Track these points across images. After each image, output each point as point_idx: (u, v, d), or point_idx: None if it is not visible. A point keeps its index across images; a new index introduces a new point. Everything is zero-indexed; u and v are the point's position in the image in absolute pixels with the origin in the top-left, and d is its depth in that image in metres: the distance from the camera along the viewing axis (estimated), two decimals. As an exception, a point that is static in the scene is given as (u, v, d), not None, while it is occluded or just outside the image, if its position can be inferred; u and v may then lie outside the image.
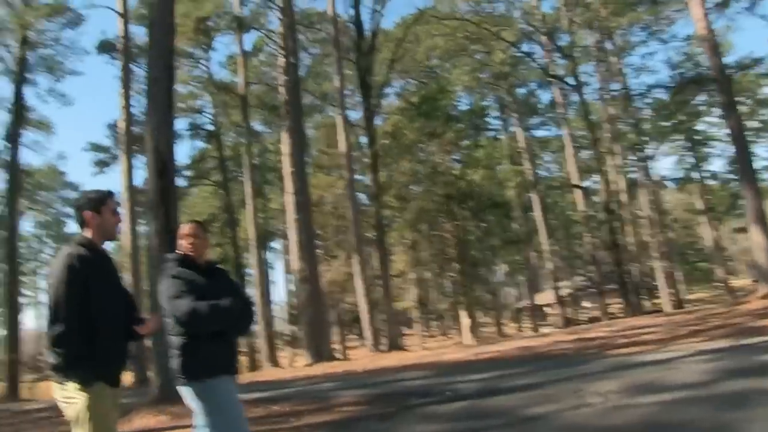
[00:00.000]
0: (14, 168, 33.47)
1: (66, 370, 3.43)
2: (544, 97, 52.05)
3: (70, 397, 3.43)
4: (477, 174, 36.52)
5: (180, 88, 42.48)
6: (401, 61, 39.45)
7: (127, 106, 27.57)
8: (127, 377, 23.99)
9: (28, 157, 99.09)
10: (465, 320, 37.10)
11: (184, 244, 4.30)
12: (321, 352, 25.98)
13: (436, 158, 39.07)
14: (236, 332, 4.30)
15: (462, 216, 37.12)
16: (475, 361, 15.25)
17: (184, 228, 4.39)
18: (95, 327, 3.47)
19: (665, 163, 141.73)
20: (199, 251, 4.30)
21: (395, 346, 28.27)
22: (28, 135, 42.89)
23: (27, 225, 62.50)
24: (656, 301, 42.13)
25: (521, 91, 50.68)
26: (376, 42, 33.69)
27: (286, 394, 11.49)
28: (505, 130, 51.82)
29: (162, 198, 11.37)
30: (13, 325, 31.16)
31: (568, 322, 40.47)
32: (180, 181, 45.91)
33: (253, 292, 36.08)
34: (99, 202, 3.81)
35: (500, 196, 41.91)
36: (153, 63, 11.73)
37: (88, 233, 3.76)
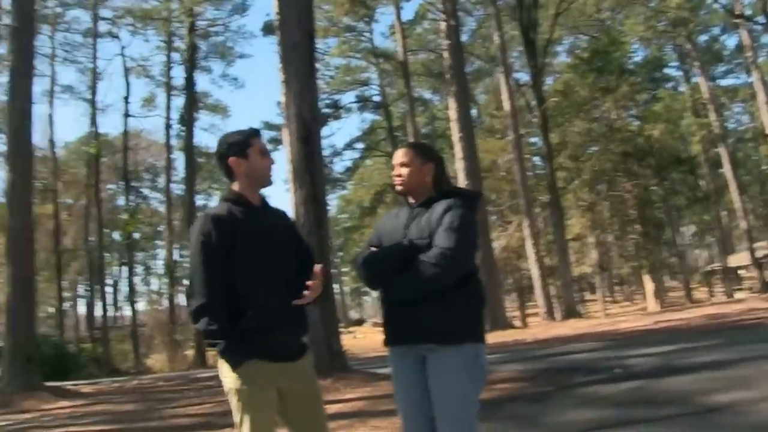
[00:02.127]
0: (190, 150, 35.03)
1: (212, 347, 2.97)
2: (730, 41, 48.54)
3: (225, 375, 3.01)
4: (657, 129, 34.56)
5: (342, 60, 43.31)
6: (568, 15, 37.68)
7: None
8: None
9: (208, 140, 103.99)
10: (649, 285, 35.36)
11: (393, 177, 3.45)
12: (496, 321, 25.55)
13: (611, 115, 37.44)
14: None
15: (642, 174, 35.35)
16: (654, 331, 14.16)
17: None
18: (244, 296, 2.98)
19: None
20: (409, 183, 3.33)
21: (571, 313, 27.29)
22: (204, 119, 45.36)
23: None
24: None
25: (703, 37, 47.46)
26: (539, -4, 32.38)
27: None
28: (686, 81, 48.69)
29: (307, 165, 11.01)
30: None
31: (767, 287, 37.53)
32: (353, 154, 46.90)
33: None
34: (243, 145, 3.17)
35: (684, 152, 39.57)
36: (292, 28, 11.37)
37: (236, 185, 3.18)
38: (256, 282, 3.02)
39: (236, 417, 2.98)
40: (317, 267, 3.10)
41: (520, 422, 6.29)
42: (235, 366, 2.94)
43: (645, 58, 43.95)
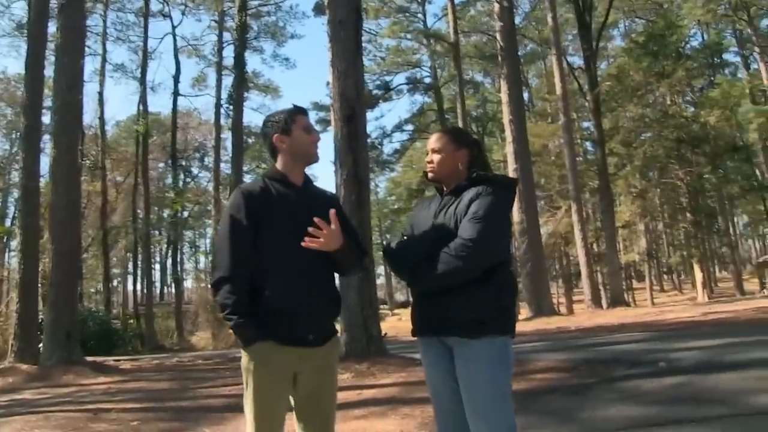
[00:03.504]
0: (238, 129, 35.06)
1: (228, 321, 2.88)
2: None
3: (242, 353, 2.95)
4: (713, 116, 33.72)
5: (393, 42, 43.06)
6: (624, -2, 36.99)
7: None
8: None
9: (258, 120, 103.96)
10: (698, 275, 34.68)
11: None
12: (541, 307, 25.41)
13: (665, 100, 36.69)
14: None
15: (696, 162, 34.65)
16: (701, 323, 13.76)
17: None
18: (266, 275, 2.89)
19: None
20: (440, 171, 3.19)
21: (618, 301, 26.89)
22: (255, 99, 45.49)
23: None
24: None
25: (765, 21, 45.94)
26: (595, -23, 31.79)
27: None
28: (745, 67, 47.30)
29: (350, 145, 10.83)
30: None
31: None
32: (402, 136, 46.69)
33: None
34: (286, 122, 3.10)
35: (740, 140, 38.52)
36: (340, 4, 11.29)
37: (279, 163, 3.12)
38: (278, 261, 2.91)
39: (244, 396, 2.90)
40: (332, 211, 2.92)
41: (556, 417, 6.06)
42: (246, 344, 2.86)
43: (703, 43, 42.96)
